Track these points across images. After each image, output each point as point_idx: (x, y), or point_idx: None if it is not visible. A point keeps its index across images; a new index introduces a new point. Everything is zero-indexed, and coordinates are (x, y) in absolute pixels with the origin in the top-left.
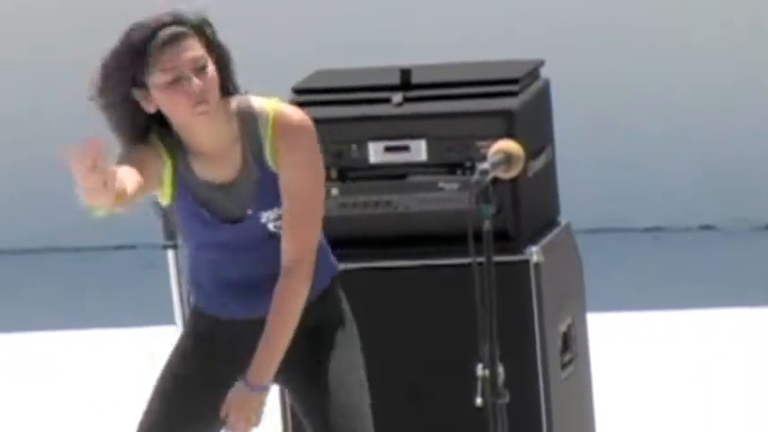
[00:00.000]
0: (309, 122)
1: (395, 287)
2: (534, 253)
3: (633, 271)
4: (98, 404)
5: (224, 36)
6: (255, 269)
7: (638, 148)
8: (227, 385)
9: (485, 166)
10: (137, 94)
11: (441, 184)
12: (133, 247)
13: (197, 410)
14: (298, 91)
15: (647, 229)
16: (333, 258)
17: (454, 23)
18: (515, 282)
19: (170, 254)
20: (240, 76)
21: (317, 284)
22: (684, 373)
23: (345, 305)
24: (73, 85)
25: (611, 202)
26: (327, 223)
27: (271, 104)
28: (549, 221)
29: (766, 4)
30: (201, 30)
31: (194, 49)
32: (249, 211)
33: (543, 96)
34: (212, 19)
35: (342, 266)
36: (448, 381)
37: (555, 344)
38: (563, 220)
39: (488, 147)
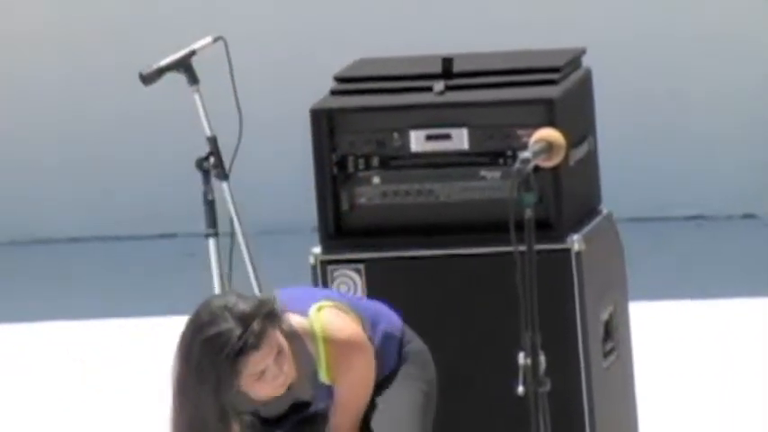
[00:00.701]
0: (358, 337)
1: (436, 276)
2: (576, 241)
3: (677, 258)
4: (140, 391)
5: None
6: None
7: (683, 139)
8: None
9: (526, 154)
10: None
11: (482, 173)
12: (174, 235)
13: None
14: (340, 79)
15: (689, 218)
16: (397, 345)
17: (496, 19)
18: (557, 270)
19: (211, 242)
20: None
21: (384, 370)
22: (726, 361)
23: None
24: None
25: (654, 190)
26: (370, 211)
27: (316, 322)
28: (591, 210)
29: None
30: (275, 314)
31: (273, 347)
32: (311, 403)
33: (585, 85)
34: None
35: (383, 255)
36: (490, 369)
37: (597, 332)
38: (605, 208)
39: (529, 135)
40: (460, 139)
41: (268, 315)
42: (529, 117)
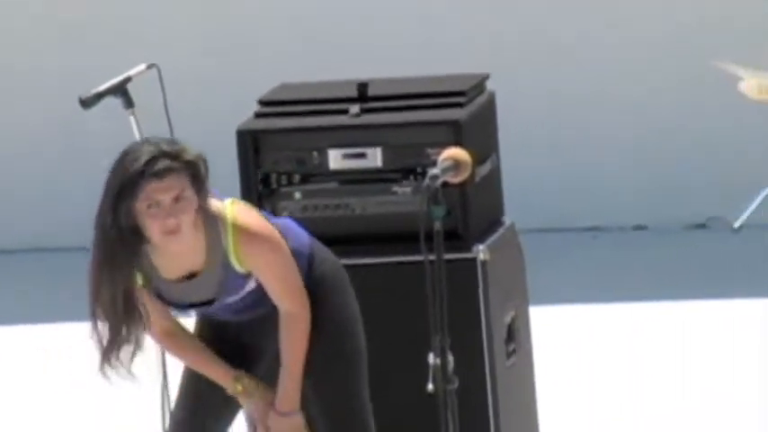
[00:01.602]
0: (266, 228)
1: (354, 283)
2: (481, 251)
3: (573, 267)
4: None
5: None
6: (237, 314)
7: (579, 157)
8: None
9: (435, 171)
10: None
11: (395, 188)
12: None
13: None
14: (263, 103)
15: (586, 229)
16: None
17: (410, 40)
18: (464, 278)
19: None
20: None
21: None
22: (620, 360)
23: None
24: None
25: (554, 203)
26: None
27: (228, 212)
28: (495, 222)
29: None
30: (194, 168)
31: (176, 188)
32: (215, 300)
33: (489, 107)
34: None
35: None
36: (403, 369)
37: (500, 335)
38: (508, 220)
39: (438, 154)
40: (375, 158)
41: (186, 162)
42: (437, 137)
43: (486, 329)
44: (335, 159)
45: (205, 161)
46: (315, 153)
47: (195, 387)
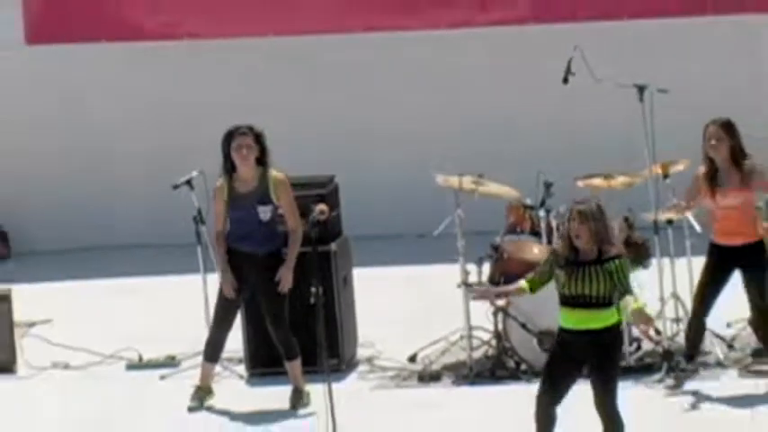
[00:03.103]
0: (288, 180)
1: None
2: (333, 246)
3: None
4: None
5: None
6: (254, 231)
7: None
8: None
9: (314, 215)
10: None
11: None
12: None
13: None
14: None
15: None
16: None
17: None
18: (326, 258)
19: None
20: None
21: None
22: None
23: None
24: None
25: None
26: None
27: (273, 169)
28: (339, 233)
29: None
30: (258, 135)
31: (248, 140)
32: (253, 208)
33: (335, 189)
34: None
35: None
36: (299, 296)
37: (340, 280)
38: (345, 232)
39: (316, 207)
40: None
41: (253, 132)
42: (315, 199)
43: (335, 278)
44: None
45: (263, 134)
46: None
47: (225, 313)
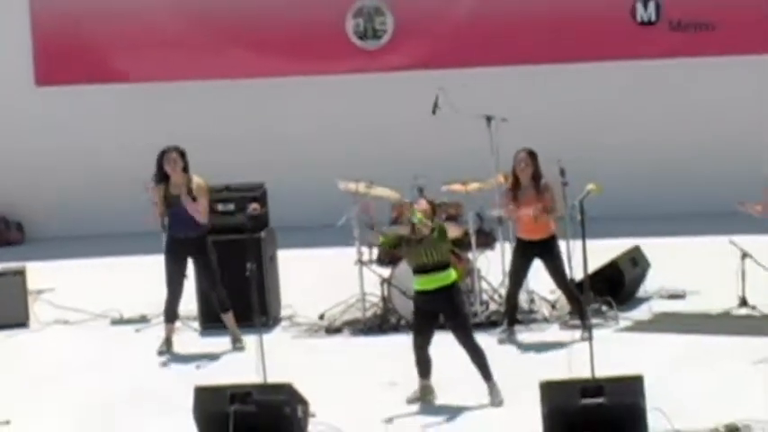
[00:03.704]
0: (205, 183)
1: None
2: (262, 233)
3: None
4: None
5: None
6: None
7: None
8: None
9: (250, 211)
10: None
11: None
12: None
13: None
14: None
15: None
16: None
17: None
18: (255, 243)
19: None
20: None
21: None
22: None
23: None
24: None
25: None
26: None
27: (195, 175)
28: (266, 225)
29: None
30: (182, 152)
31: (175, 156)
32: (180, 204)
33: (264, 192)
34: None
35: None
36: (236, 268)
37: (268, 256)
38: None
39: (252, 206)
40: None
41: (179, 150)
42: (251, 201)
43: (264, 257)
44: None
45: (185, 152)
46: None
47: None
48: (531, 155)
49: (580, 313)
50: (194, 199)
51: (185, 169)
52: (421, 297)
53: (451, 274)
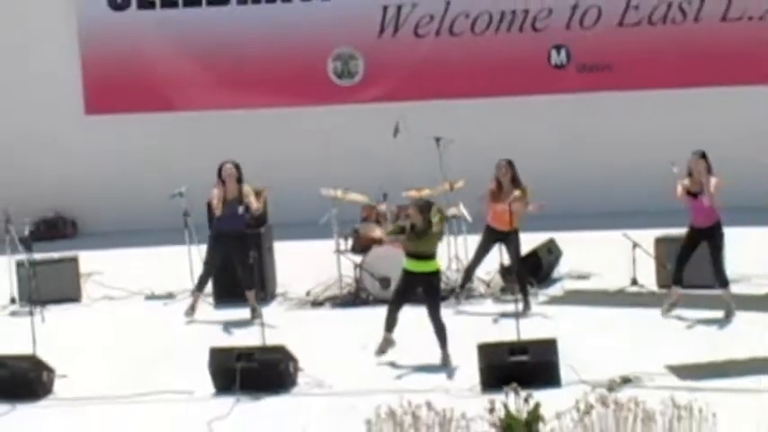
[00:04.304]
0: (254, 190)
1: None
2: (262, 229)
3: None
4: None
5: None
6: (230, 224)
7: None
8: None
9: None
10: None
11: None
12: None
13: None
14: None
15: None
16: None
17: None
18: (256, 237)
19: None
20: None
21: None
22: None
23: None
24: None
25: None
26: None
27: (246, 185)
28: (264, 222)
29: None
30: (236, 165)
31: (231, 169)
32: (233, 208)
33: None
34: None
35: None
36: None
37: (266, 245)
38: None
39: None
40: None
41: (235, 164)
42: None
43: (264, 247)
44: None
45: (239, 165)
46: None
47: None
48: (510, 163)
49: (523, 290)
50: (246, 207)
51: (239, 179)
52: (408, 275)
53: (436, 264)
